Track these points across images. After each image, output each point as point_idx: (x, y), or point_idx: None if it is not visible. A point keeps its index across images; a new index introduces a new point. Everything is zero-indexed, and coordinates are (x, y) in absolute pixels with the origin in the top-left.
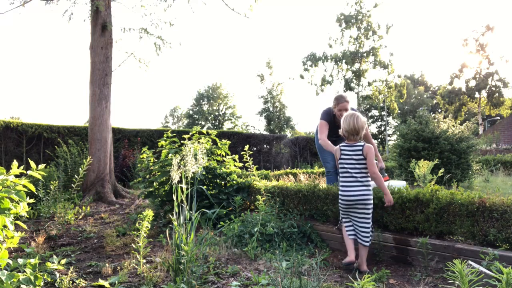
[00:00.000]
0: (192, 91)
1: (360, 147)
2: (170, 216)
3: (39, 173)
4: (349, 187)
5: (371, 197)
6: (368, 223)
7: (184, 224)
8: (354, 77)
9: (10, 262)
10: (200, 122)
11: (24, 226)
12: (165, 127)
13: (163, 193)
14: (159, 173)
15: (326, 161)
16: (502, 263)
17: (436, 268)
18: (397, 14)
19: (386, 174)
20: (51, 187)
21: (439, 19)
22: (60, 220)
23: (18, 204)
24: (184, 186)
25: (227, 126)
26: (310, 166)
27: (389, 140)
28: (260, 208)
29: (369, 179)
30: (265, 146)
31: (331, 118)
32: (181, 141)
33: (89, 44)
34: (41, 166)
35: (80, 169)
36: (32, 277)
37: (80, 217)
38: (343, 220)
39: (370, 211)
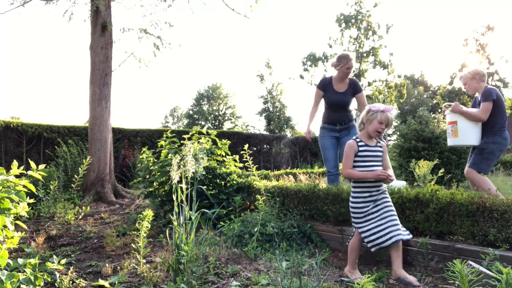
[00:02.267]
0: (192, 91)
1: None
2: (170, 216)
3: (39, 173)
4: None
5: (353, 200)
6: (357, 228)
7: (184, 224)
8: (354, 77)
9: (10, 262)
10: (200, 122)
11: (24, 226)
12: (165, 127)
13: (163, 193)
14: (159, 173)
15: (327, 160)
16: (502, 263)
17: (436, 268)
18: (397, 14)
19: None
20: (51, 187)
21: (439, 19)
22: (60, 220)
23: (18, 204)
24: (184, 186)
25: (227, 126)
26: (310, 166)
27: (389, 140)
28: (260, 208)
29: (356, 181)
30: (265, 146)
31: (325, 87)
32: (181, 141)
33: (89, 44)
34: (41, 166)
35: (80, 169)
36: (32, 277)
37: (80, 217)
38: None
39: (353, 215)
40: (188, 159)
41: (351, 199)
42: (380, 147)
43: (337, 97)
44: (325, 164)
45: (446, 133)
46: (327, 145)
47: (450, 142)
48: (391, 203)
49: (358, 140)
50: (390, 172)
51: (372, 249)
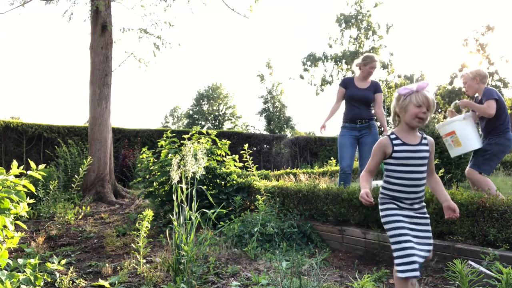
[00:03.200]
0: (192, 91)
1: None
2: (170, 216)
3: (39, 173)
4: None
5: (381, 210)
6: (392, 243)
7: (184, 224)
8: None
9: (10, 262)
10: (200, 122)
11: (24, 226)
12: (165, 127)
13: (163, 193)
14: (159, 173)
15: (342, 158)
16: (502, 263)
17: (436, 268)
18: (397, 14)
19: None
20: (51, 187)
21: (439, 19)
22: (60, 220)
23: (18, 204)
24: (184, 186)
25: (227, 126)
26: (310, 166)
27: None
28: (260, 208)
29: (385, 179)
30: (265, 146)
31: (347, 84)
32: (181, 141)
33: (89, 44)
34: (41, 166)
35: (80, 169)
36: (32, 277)
37: (80, 217)
38: None
39: (385, 228)
40: (188, 159)
41: (379, 200)
42: (426, 144)
43: (358, 92)
44: (340, 162)
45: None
46: (345, 144)
47: (455, 152)
48: (427, 228)
49: (393, 137)
50: (445, 192)
51: (401, 275)
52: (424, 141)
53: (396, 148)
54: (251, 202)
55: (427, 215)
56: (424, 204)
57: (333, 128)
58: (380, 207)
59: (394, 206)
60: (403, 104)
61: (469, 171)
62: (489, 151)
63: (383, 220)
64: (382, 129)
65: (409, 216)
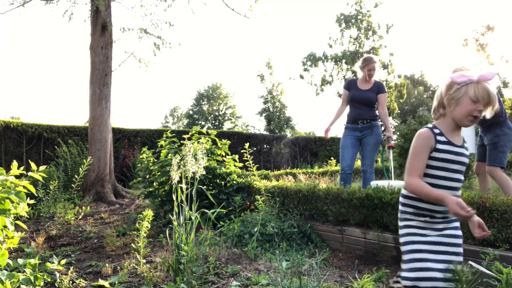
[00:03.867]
0: (192, 91)
1: None
2: (170, 216)
3: (39, 174)
4: None
5: (401, 216)
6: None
7: (184, 224)
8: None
9: (10, 262)
10: (200, 122)
11: (24, 226)
12: (165, 127)
13: (163, 193)
14: (159, 173)
15: (343, 158)
16: (502, 263)
17: None
18: (397, 14)
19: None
20: (51, 187)
21: (439, 19)
22: (60, 220)
23: (18, 204)
24: (184, 186)
25: (227, 126)
26: (310, 166)
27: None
28: (260, 208)
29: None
30: (265, 146)
31: (350, 85)
32: (181, 141)
33: (89, 44)
34: (42, 167)
35: (80, 169)
36: (32, 277)
37: (80, 217)
38: None
39: (399, 231)
40: (188, 159)
41: (399, 215)
42: (467, 148)
43: (360, 93)
44: (340, 163)
45: None
46: (346, 144)
47: None
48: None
49: (437, 131)
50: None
51: None
52: (465, 144)
53: (439, 146)
54: (251, 202)
55: (460, 233)
56: (457, 225)
57: (334, 128)
58: (401, 215)
59: (418, 232)
60: (456, 95)
61: (490, 170)
62: (499, 143)
63: (400, 228)
64: (383, 128)
65: (433, 243)
